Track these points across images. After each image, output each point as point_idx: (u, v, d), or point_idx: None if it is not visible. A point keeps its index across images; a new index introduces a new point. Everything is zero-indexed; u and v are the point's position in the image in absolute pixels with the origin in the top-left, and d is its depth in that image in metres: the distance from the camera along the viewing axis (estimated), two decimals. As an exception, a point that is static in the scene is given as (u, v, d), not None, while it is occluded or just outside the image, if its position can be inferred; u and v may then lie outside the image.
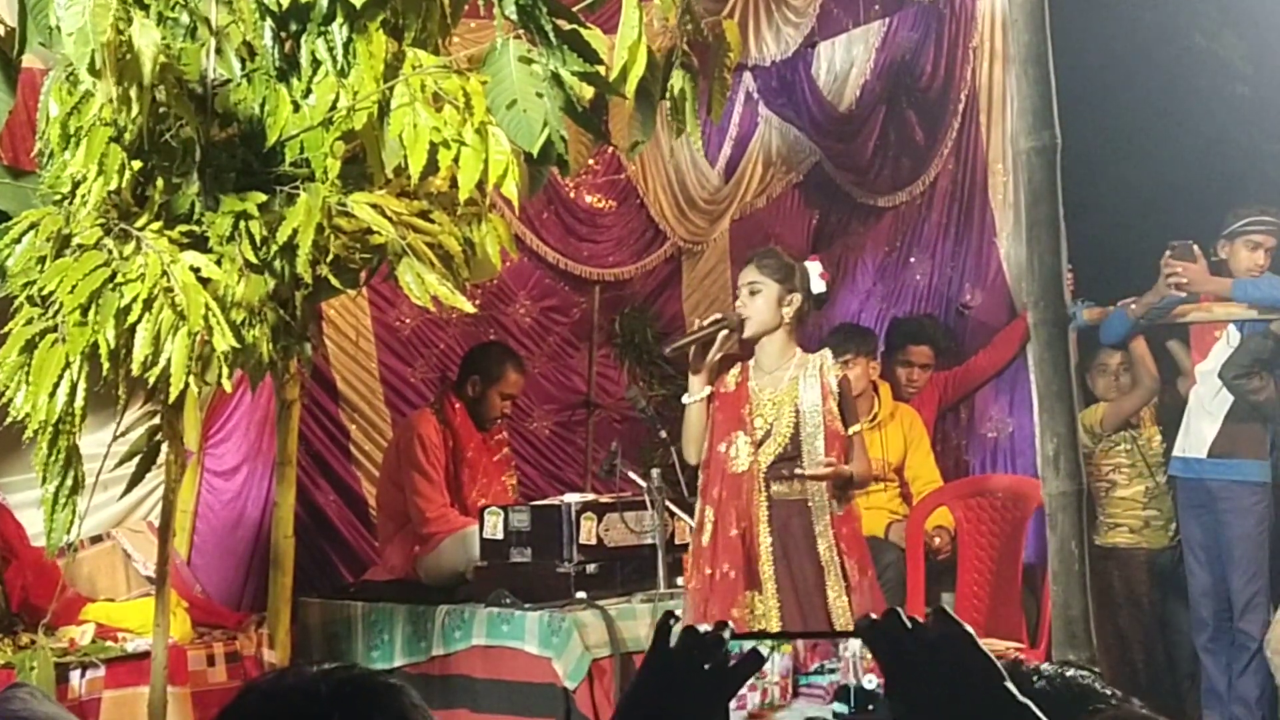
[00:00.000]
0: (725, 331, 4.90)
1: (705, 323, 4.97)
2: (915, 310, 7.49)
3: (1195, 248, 6.29)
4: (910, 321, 7.29)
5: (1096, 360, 6.85)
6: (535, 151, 3.51)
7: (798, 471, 4.85)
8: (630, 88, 3.69)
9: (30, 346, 3.64)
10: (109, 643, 5.30)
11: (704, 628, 1.61)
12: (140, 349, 3.61)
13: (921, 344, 7.05)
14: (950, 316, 7.43)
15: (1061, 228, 3.99)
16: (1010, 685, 1.56)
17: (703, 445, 4.94)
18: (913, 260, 7.65)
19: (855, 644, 1.63)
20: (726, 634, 1.60)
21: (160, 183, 3.73)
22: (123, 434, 4.16)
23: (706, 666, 1.59)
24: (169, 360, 3.60)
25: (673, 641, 1.62)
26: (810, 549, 4.87)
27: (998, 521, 6.31)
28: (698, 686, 1.58)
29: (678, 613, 1.40)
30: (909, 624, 1.60)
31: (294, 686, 1.61)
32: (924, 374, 7.05)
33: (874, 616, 1.60)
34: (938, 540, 6.39)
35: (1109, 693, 2.23)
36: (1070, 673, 2.26)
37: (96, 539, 5.89)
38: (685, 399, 4.94)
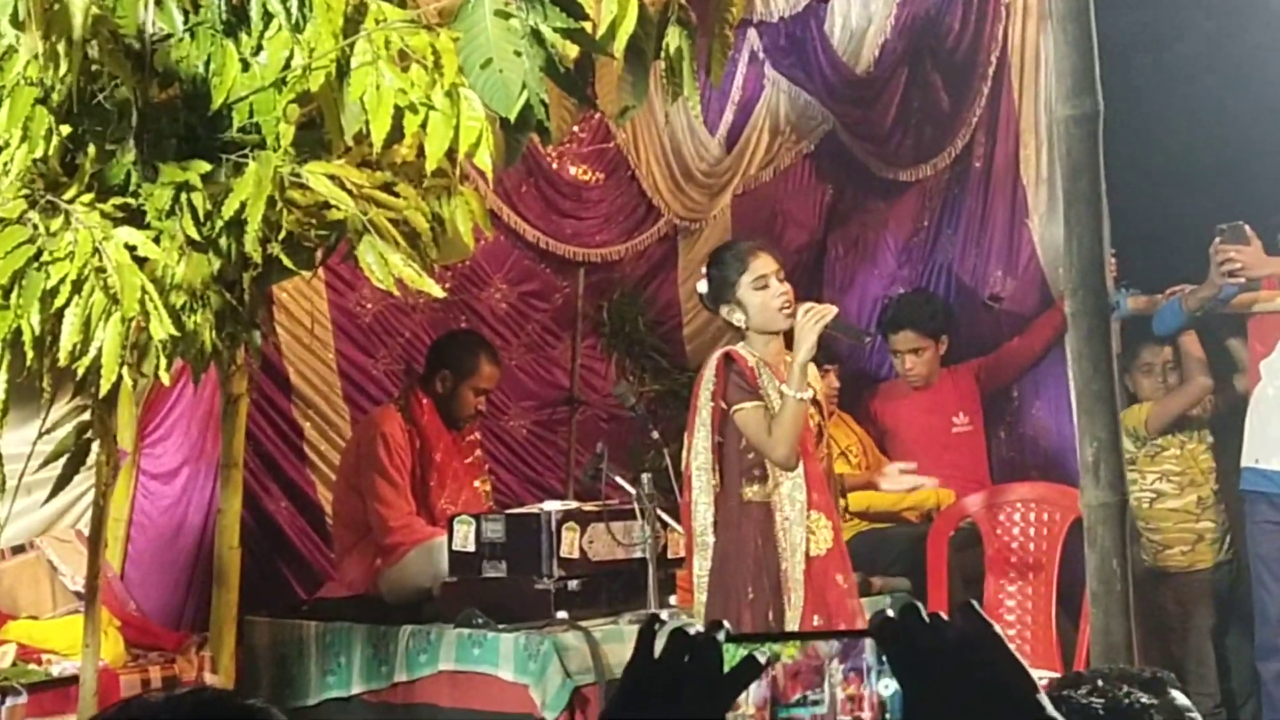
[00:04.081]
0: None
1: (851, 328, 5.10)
2: (945, 297, 7.53)
3: (1247, 228, 6.26)
4: (890, 307, 7.35)
5: (1140, 357, 6.86)
6: (513, 117, 3.52)
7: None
8: (620, 46, 3.69)
9: (-55, 333, 3.65)
10: (32, 665, 5.30)
11: (694, 629, 1.60)
12: (68, 336, 3.61)
13: (901, 329, 7.11)
14: (970, 301, 7.46)
15: (1103, 206, 3.99)
16: (1042, 697, 1.54)
17: (800, 446, 5.00)
18: (938, 241, 7.68)
19: (838, 674, 1.59)
20: (720, 635, 1.59)
21: (92, 150, 3.73)
22: (48, 431, 4.16)
23: (698, 673, 1.57)
24: (100, 349, 3.60)
25: (658, 648, 1.60)
26: None
27: (1030, 535, 6.33)
28: (688, 696, 1.56)
29: (664, 616, 1.39)
30: (928, 621, 1.57)
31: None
32: (919, 359, 7.10)
33: (889, 613, 1.59)
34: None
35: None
36: (1127, 692, 2.24)
37: (19, 549, 5.88)
38: (798, 394, 4.94)
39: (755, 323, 5.07)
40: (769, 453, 4.98)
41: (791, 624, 4.94)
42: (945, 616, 1.57)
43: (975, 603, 1.60)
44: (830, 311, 4.98)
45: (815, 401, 5.15)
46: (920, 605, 1.58)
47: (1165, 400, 6.80)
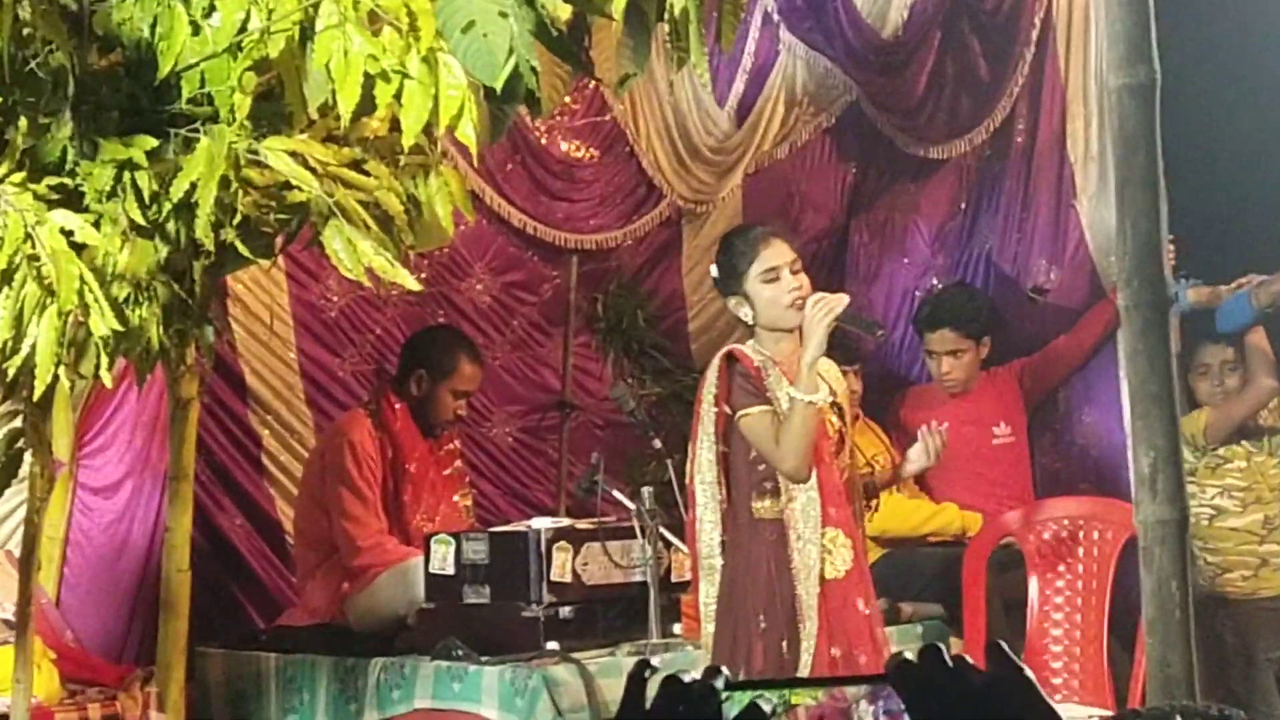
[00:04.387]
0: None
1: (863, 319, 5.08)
2: (984, 289, 7.53)
3: None
4: (927, 303, 7.38)
5: (1201, 357, 6.85)
6: (498, 86, 3.51)
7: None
8: (618, 6, 3.69)
9: None
10: (-44, 703, 5.30)
11: (689, 676, 1.60)
12: (-3, 333, 3.60)
13: (938, 329, 7.12)
14: (1011, 294, 7.46)
15: (1160, 186, 3.99)
16: None
17: (813, 455, 4.99)
18: (975, 226, 7.68)
19: (868, 717, 1.61)
20: (719, 683, 1.59)
21: (23, 123, 3.73)
22: (-26, 440, 4.16)
23: None
24: (33, 347, 3.59)
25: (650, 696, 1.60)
26: None
27: (1078, 556, 6.32)
28: None
29: (655, 662, 1.41)
30: (951, 665, 1.57)
31: None
32: (958, 362, 7.12)
33: (908, 655, 1.59)
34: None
35: None
36: None
37: (-59, 572, 5.89)
38: (807, 397, 4.92)
39: (763, 319, 5.06)
40: (777, 463, 4.97)
41: (806, 656, 4.92)
42: (969, 659, 1.57)
43: (1003, 644, 1.60)
44: (840, 302, 4.95)
45: (836, 405, 5.14)
46: (943, 647, 1.58)
47: (1227, 405, 6.79)
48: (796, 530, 4.97)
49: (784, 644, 4.95)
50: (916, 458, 5.80)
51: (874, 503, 5.66)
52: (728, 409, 5.02)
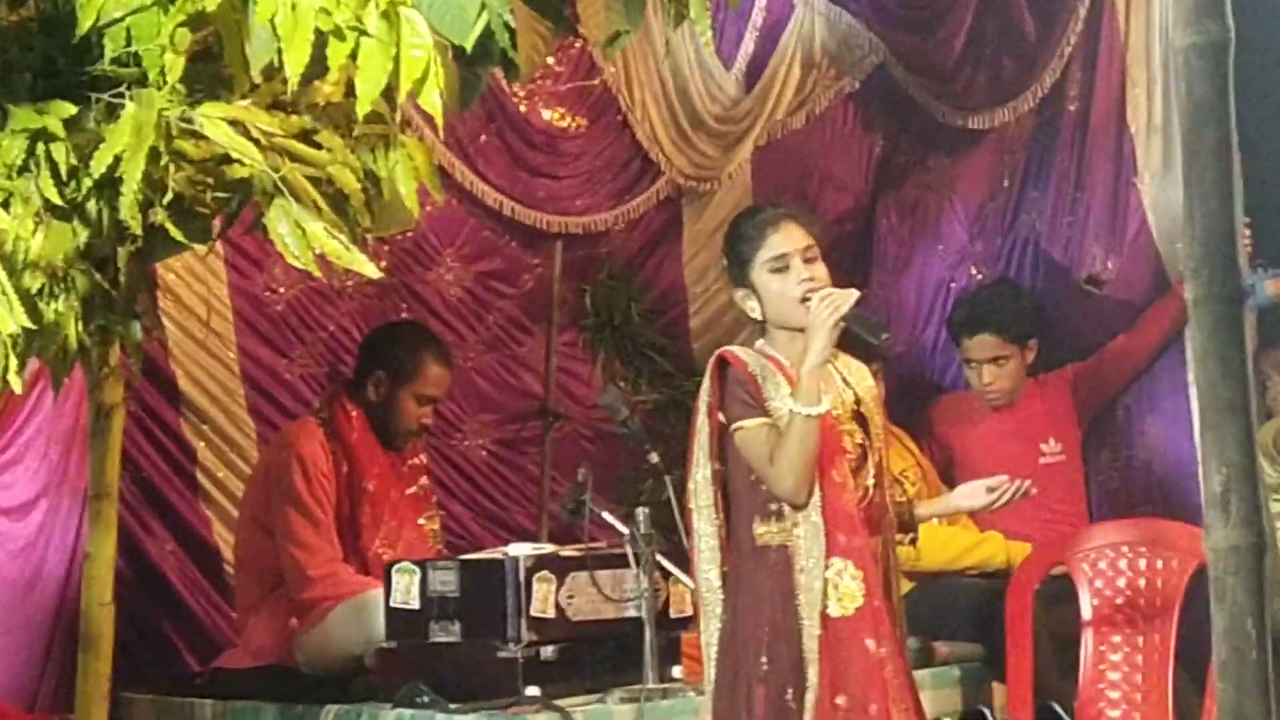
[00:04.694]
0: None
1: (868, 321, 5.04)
2: (1031, 281, 7.54)
3: None
4: (963, 303, 7.37)
5: (1266, 358, 6.86)
6: (469, 45, 3.50)
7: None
8: (608, -47, 3.69)
9: None
10: None
11: None
12: (-110, 330, 3.60)
13: (978, 333, 7.11)
14: (1062, 286, 7.46)
15: (1235, 161, 3.97)
16: None
17: (814, 476, 4.93)
18: (1020, 208, 7.67)
19: None
20: None
21: (-79, 88, 3.72)
22: None
23: None
24: (-68, 347, 3.59)
25: None
26: None
27: (1140, 588, 6.32)
28: None
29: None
30: None
31: None
32: (1001, 370, 7.11)
33: None
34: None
35: None
36: None
37: None
38: (806, 409, 4.88)
39: (770, 314, 5.01)
40: (773, 485, 4.89)
41: (811, 707, 4.87)
42: None
43: (1057, 706, 1.59)
44: (848, 299, 4.89)
45: (859, 415, 5.10)
46: (986, 712, 1.58)
47: None
48: (800, 561, 4.92)
49: (788, 689, 4.89)
50: (971, 496, 5.71)
51: (909, 536, 5.62)
52: (721, 420, 4.99)
